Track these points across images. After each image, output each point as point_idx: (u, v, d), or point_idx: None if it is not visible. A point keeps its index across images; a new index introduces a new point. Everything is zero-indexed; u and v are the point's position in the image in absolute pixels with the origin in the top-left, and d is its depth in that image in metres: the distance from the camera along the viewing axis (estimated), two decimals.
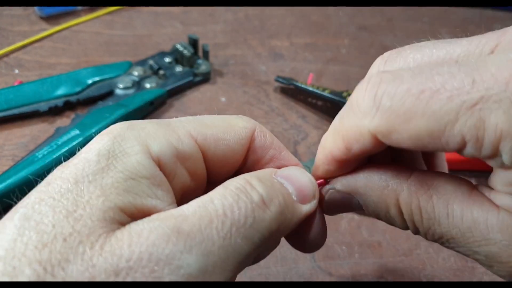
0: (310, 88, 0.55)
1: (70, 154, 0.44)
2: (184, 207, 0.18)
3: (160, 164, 0.20)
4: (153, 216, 0.18)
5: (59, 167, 0.19)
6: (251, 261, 0.19)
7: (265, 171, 0.22)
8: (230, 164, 0.23)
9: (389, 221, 0.22)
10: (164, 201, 0.19)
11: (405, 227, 0.22)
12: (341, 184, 0.23)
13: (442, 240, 0.21)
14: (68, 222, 0.16)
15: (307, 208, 0.22)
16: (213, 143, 0.22)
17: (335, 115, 0.23)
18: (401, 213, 0.21)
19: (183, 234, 0.17)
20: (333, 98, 0.53)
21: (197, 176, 0.22)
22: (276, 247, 0.24)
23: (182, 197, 0.21)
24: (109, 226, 0.17)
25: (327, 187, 0.24)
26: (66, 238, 0.16)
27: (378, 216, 0.23)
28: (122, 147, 0.19)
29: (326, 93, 0.54)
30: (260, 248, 0.19)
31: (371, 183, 0.22)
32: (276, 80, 0.57)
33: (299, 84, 0.56)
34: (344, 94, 0.54)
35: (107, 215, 0.17)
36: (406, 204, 0.21)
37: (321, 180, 0.24)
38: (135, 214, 0.18)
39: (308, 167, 0.45)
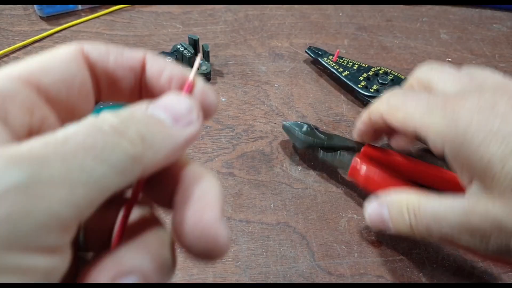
0: (329, 66, 0.59)
1: None
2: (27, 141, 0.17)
3: None
4: None
5: None
6: (122, 186, 0.18)
7: (136, 105, 0.20)
8: (78, 89, 0.21)
9: None
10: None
11: None
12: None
13: None
14: None
15: (188, 131, 0.21)
16: (44, 76, 0.21)
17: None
18: None
19: (6, 155, 0.16)
20: (348, 82, 0.57)
21: (39, 111, 0.20)
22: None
23: (39, 130, 0.20)
24: None
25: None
26: None
27: None
28: None
29: (343, 75, 0.58)
30: (132, 173, 0.18)
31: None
32: (306, 52, 0.62)
33: (323, 61, 0.60)
34: (370, 73, 0.58)
35: None
36: None
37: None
38: None
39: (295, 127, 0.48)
